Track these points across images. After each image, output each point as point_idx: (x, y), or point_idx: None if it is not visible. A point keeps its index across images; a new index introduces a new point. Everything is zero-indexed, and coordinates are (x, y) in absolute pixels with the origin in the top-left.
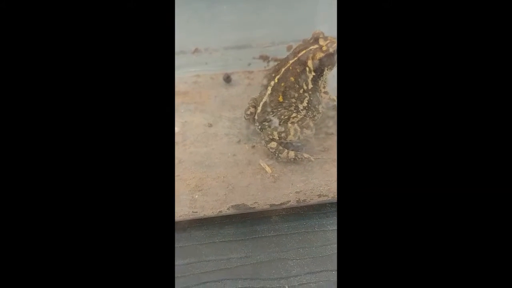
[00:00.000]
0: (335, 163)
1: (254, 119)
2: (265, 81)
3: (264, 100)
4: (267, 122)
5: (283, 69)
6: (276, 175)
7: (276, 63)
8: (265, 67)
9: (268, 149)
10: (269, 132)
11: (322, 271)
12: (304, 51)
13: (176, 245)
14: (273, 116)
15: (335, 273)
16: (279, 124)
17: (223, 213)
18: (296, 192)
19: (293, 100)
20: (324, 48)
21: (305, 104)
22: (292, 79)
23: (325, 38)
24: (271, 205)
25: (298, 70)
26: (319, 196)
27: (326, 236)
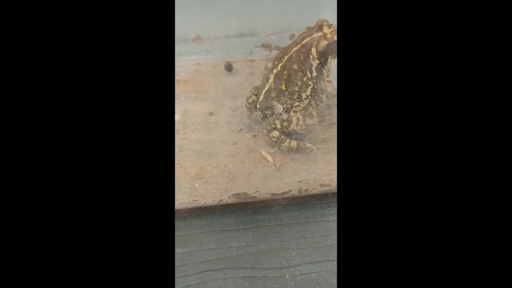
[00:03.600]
0: None
1: (256, 107)
2: (268, 67)
3: (266, 88)
4: (269, 111)
5: (286, 57)
6: (278, 165)
7: (278, 51)
8: (267, 55)
9: (270, 138)
10: (271, 121)
11: (323, 261)
12: (308, 39)
13: (176, 234)
14: (276, 104)
15: (336, 263)
16: (282, 112)
17: (224, 201)
18: (298, 182)
19: (296, 88)
20: (328, 36)
21: (308, 92)
22: (295, 67)
23: (330, 26)
24: (273, 194)
25: (302, 58)
26: (321, 186)
27: (328, 226)
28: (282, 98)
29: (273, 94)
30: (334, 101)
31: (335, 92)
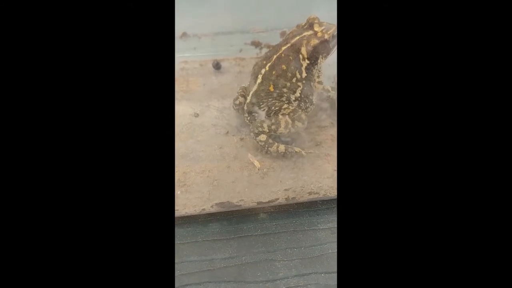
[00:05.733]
0: (328, 158)
1: (243, 109)
2: (257, 66)
3: (254, 89)
4: (257, 113)
5: (274, 56)
6: (265, 170)
7: (268, 50)
8: (257, 54)
9: (257, 142)
10: (259, 124)
11: (311, 273)
12: (297, 37)
13: None
14: (263, 106)
15: (324, 276)
16: (269, 115)
17: (207, 211)
18: (285, 190)
19: (285, 90)
20: (319, 35)
21: (297, 94)
22: (284, 67)
23: (321, 24)
24: (258, 203)
25: (291, 58)
26: (310, 193)
27: (316, 235)
28: (270, 100)
29: (261, 96)
30: (324, 104)
31: (326, 94)
